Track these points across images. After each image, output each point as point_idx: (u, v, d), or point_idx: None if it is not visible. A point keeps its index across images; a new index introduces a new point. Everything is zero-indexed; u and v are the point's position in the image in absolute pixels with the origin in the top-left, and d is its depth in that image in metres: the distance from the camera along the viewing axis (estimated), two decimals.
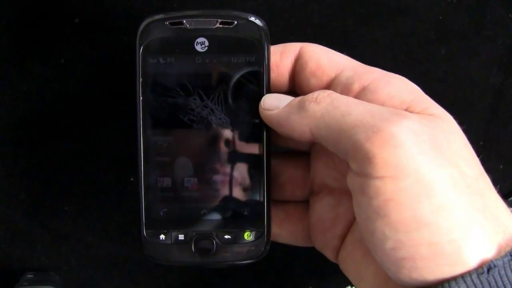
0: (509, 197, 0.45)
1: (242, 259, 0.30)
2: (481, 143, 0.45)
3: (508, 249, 0.23)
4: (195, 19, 0.29)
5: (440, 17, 0.44)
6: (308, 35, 0.43)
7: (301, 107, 0.27)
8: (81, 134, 0.44)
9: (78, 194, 0.45)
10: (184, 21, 0.29)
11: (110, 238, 0.45)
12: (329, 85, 0.30)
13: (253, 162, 0.30)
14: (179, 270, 0.46)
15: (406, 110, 0.27)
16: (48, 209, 0.45)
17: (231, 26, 0.29)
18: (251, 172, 0.30)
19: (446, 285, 0.23)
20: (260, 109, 0.29)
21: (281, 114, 0.28)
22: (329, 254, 0.32)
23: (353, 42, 0.44)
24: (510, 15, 0.44)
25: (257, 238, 0.29)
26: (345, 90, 0.29)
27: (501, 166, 0.46)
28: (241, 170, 0.30)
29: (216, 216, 0.30)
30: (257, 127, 0.30)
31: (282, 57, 0.31)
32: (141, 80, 0.29)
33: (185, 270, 0.46)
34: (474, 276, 0.22)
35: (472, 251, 0.23)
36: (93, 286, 0.46)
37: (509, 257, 0.23)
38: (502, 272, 0.22)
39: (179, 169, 0.30)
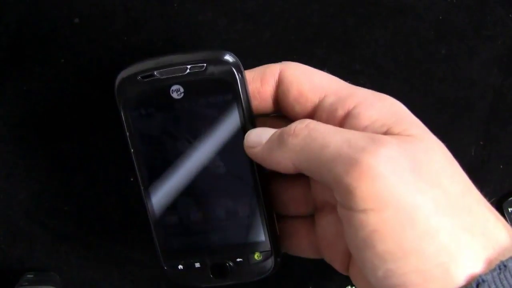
0: (509, 197, 0.45)
1: (255, 277, 0.32)
2: (481, 143, 0.45)
3: (498, 262, 0.23)
4: (165, 69, 0.29)
5: (440, 17, 0.44)
6: (308, 35, 0.43)
7: (281, 142, 0.27)
8: (81, 134, 0.44)
9: (78, 194, 0.45)
10: (155, 73, 0.30)
11: (110, 238, 0.45)
12: (314, 111, 0.30)
13: (249, 190, 0.31)
14: None
15: (386, 131, 0.26)
16: (48, 209, 0.45)
17: (202, 70, 0.29)
18: (250, 200, 0.31)
19: None
20: (245, 146, 0.30)
21: (264, 150, 0.29)
22: (339, 268, 0.32)
23: (353, 42, 0.44)
24: (510, 15, 0.44)
25: (266, 257, 0.31)
26: (330, 116, 0.29)
27: (501, 166, 0.46)
28: (239, 199, 0.31)
29: (226, 242, 0.32)
30: (245, 160, 0.31)
31: (262, 84, 0.31)
32: (127, 134, 0.31)
33: None
34: None
35: (460, 270, 0.23)
36: (93, 286, 0.46)
37: (498, 271, 0.22)
38: (493, 286, 0.22)
39: (183, 207, 0.31)
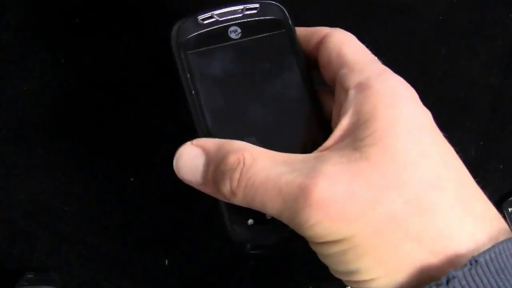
0: (509, 197, 0.45)
1: None
2: (481, 143, 0.45)
3: (470, 258, 0.22)
4: (223, 11, 0.32)
5: (440, 17, 0.44)
6: None
7: (221, 195, 0.28)
8: (81, 134, 0.44)
9: (78, 194, 0.45)
10: (214, 14, 0.32)
11: (110, 238, 0.45)
12: (335, 80, 0.30)
13: (312, 126, 0.31)
14: (179, 270, 0.46)
15: (361, 126, 0.26)
16: (48, 209, 0.45)
17: (256, 11, 0.32)
18: (313, 136, 0.31)
19: None
20: (177, 174, 0.29)
21: (207, 190, 0.29)
22: None
23: None
24: (510, 15, 0.44)
25: None
26: (340, 89, 0.29)
27: (501, 166, 0.46)
28: (303, 137, 0.31)
29: None
30: (302, 96, 0.31)
31: (307, 45, 0.32)
32: (188, 76, 0.31)
33: (184, 270, 0.46)
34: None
35: (428, 270, 0.23)
36: (93, 286, 0.46)
37: (469, 266, 0.22)
38: (464, 282, 0.22)
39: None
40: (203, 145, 0.29)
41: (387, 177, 0.24)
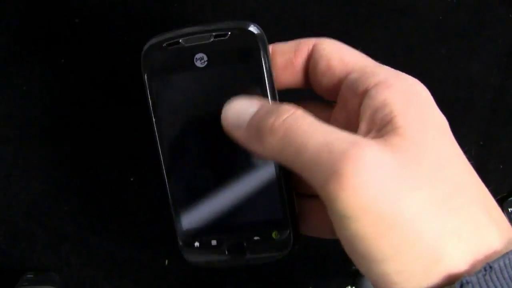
0: (509, 197, 0.45)
1: (272, 257, 0.31)
2: (481, 143, 0.45)
3: (484, 264, 0.23)
4: (190, 37, 0.30)
5: (440, 17, 0.44)
6: (308, 35, 0.43)
7: (259, 138, 0.27)
8: (81, 134, 0.44)
9: (78, 194, 0.45)
10: (180, 40, 0.30)
11: (110, 238, 0.45)
12: (340, 87, 0.29)
13: (269, 167, 0.30)
14: (179, 270, 0.46)
15: (390, 120, 0.25)
16: (48, 209, 0.45)
17: (225, 38, 0.30)
18: (269, 176, 0.31)
19: None
20: (222, 125, 0.29)
21: (244, 139, 0.28)
22: None
23: (353, 42, 0.44)
24: (510, 15, 0.44)
25: (284, 236, 0.31)
26: (351, 94, 0.28)
27: (501, 166, 0.46)
28: (259, 176, 0.31)
29: (244, 220, 0.31)
30: None
31: (296, 55, 0.31)
32: (150, 102, 0.31)
33: (184, 270, 0.46)
34: None
35: (444, 272, 0.23)
36: (93, 286, 0.46)
37: (484, 272, 0.22)
38: (477, 287, 0.22)
39: (203, 182, 0.31)
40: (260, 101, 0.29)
41: (422, 172, 0.24)
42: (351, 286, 0.46)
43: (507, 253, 0.23)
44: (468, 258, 0.23)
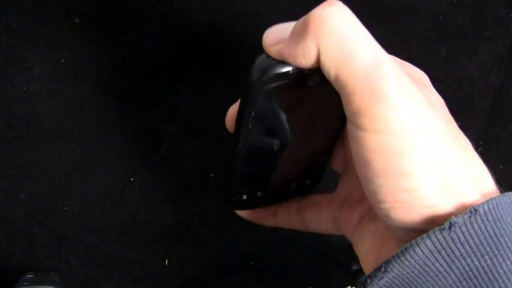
0: None
1: (297, 195, 0.36)
2: (481, 143, 0.45)
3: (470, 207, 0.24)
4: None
5: (440, 17, 0.44)
6: None
7: (305, 30, 0.26)
8: (81, 134, 0.44)
9: (78, 194, 0.45)
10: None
11: (110, 238, 0.45)
12: None
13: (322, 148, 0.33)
14: (179, 270, 0.46)
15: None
16: (48, 209, 0.45)
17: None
18: (319, 155, 0.34)
19: (414, 242, 0.24)
20: (265, 45, 0.28)
21: (287, 45, 0.27)
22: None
23: None
24: (510, 15, 0.44)
25: (313, 183, 0.35)
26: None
27: (501, 166, 0.46)
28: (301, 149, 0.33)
29: (288, 180, 0.35)
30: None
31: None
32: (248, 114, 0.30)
33: (184, 270, 0.46)
34: (437, 232, 0.23)
35: (450, 201, 0.24)
36: (93, 286, 0.46)
37: (469, 214, 0.23)
38: (464, 228, 0.23)
39: (265, 162, 0.33)
40: None
41: (433, 107, 0.26)
42: (351, 286, 0.46)
43: (490, 199, 0.24)
44: (471, 196, 0.25)
